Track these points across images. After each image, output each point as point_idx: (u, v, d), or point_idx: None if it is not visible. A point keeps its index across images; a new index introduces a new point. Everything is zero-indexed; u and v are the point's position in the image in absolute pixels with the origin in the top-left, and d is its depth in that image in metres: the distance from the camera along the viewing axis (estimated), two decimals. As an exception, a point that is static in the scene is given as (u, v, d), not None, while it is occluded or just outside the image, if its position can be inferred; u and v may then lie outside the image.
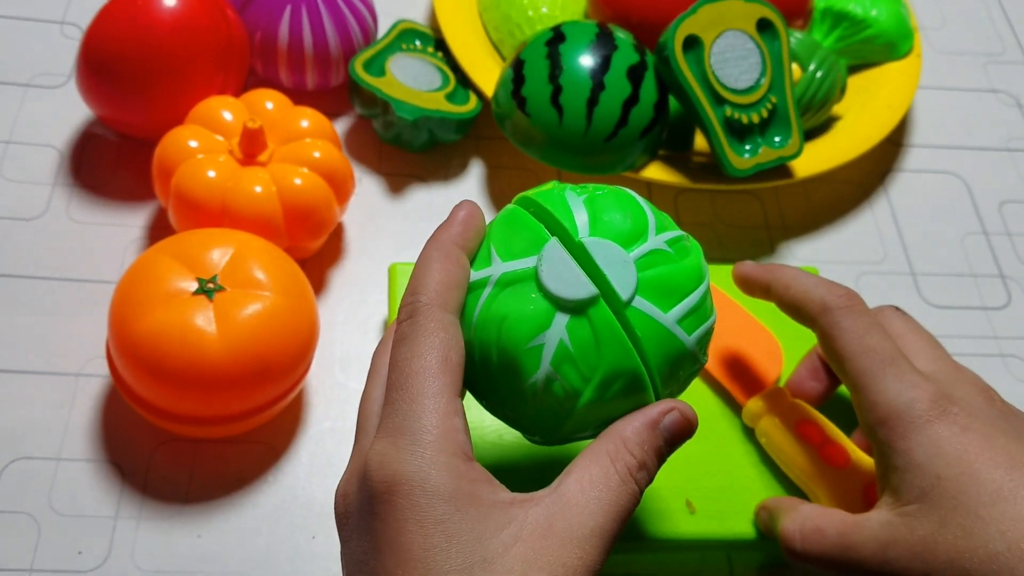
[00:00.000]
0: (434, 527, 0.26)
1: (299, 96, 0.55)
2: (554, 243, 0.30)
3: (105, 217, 0.51)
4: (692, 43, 0.49)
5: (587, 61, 0.49)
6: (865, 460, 0.39)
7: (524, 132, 0.51)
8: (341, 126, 0.56)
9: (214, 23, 0.49)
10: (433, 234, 0.31)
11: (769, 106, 0.50)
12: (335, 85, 0.56)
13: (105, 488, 0.43)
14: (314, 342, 0.43)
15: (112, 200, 0.52)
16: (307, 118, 0.49)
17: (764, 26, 0.51)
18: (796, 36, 0.53)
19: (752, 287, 0.40)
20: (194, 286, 0.40)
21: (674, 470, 0.38)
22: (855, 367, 0.35)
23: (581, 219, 0.31)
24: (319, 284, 0.50)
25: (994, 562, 0.31)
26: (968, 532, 0.31)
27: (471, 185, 0.55)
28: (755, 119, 0.50)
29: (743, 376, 0.43)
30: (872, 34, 0.57)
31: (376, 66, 0.54)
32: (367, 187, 0.54)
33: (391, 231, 0.53)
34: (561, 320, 0.29)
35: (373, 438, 0.28)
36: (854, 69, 0.59)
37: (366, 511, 0.27)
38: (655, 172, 0.52)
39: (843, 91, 0.54)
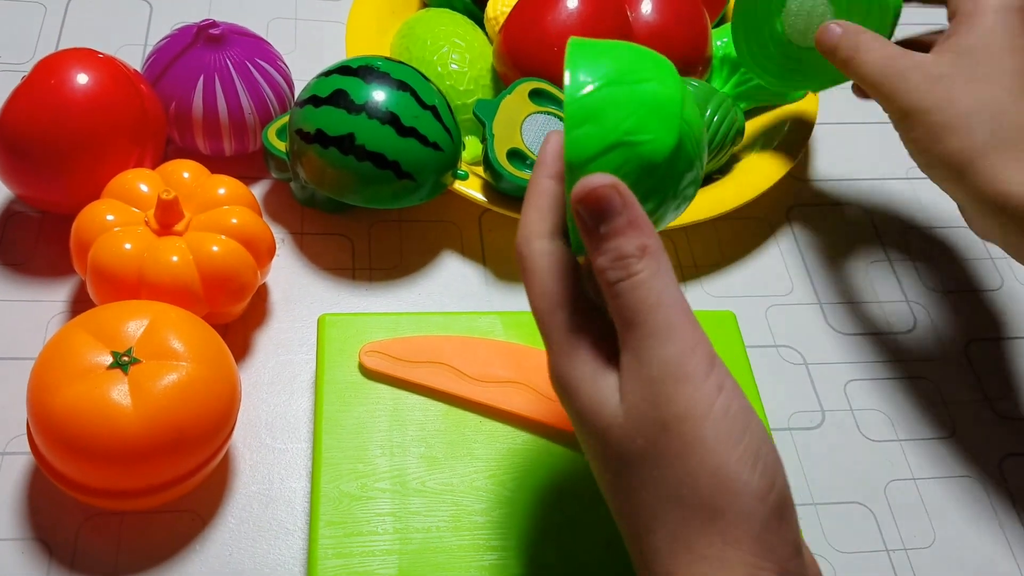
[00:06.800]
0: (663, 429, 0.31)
1: (218, 162, 0.56)
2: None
3: (27, 294, 0.51)
4: (513, 154, 0.52)
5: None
6: None
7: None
8: (262, 188, 0.57)
9: (127, 98, 0.50)
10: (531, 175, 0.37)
11: None
12: (254, 150, 0.57)
13: (32, 566, 0.42)
14: (235, 408, 0.44)
15: (34, 276, 0.52)
16: (224, 186, 0.50)
17: (537, 94, 0.54)
18: (692, 83, 0.55)
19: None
20: (109, 360, 0.41)
21: None
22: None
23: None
24: (244, 347, 0.51)
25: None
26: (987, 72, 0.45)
27: (392, 239, 0.56)
28: None
29: None
30: (768, 78, 0.60)
31: (292, 131, 0.55)
32: (290, 247, 0.55)
33: (316, 289, 0.54)
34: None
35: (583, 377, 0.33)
36: (755, 112, 0.62)
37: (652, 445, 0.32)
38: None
39: (741, 133, 0.56)
